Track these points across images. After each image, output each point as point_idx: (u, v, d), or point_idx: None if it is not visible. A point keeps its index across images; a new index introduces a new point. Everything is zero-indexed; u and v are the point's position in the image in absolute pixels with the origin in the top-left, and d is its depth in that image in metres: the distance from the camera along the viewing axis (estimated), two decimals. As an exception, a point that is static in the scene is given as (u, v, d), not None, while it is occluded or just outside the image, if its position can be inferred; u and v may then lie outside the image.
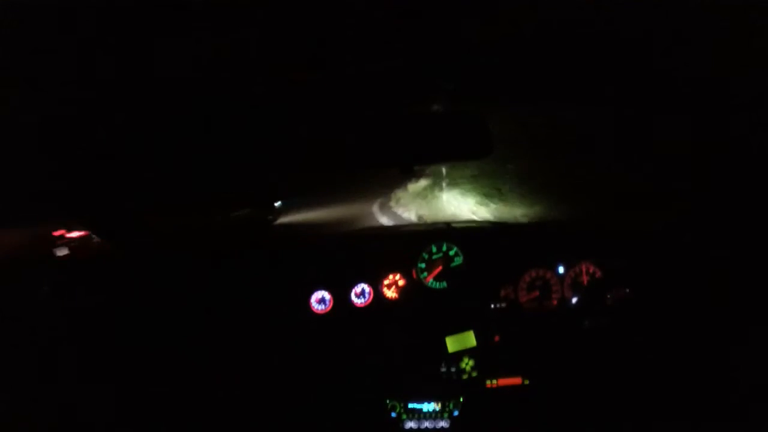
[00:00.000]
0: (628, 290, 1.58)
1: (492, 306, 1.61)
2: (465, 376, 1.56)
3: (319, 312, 1.62)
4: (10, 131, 1.26)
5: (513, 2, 1.16)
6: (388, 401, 1.55)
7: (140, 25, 1.04)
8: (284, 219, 6.06)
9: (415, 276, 1.65)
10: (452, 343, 1.57)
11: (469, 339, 1.57)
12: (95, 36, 1.04)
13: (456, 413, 1.54)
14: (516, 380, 1.55)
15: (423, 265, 1.65)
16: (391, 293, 1.65)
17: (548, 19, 1.22)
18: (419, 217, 6.97)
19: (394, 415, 1.55)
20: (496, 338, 1.57)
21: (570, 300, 1.61)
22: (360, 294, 1.64)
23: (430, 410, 1.54)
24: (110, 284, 1.63)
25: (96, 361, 1.47)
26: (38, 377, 1.41)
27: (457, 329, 1.58)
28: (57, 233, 2.19)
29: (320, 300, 1.62)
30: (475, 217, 6.95)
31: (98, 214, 1.60)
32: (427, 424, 1.54)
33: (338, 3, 1.09)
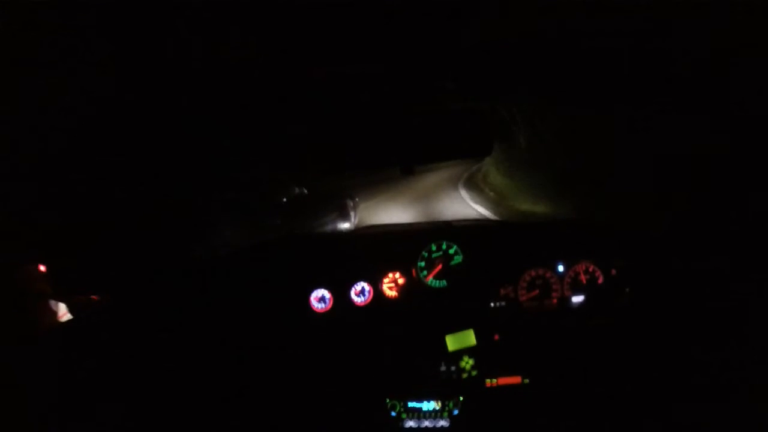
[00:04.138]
0: (627, 289, 1.58)
1: (492, 305, 1.61)
2: (465, 375, 1.56)
3: (319, 311, 1.62)
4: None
5: (516, 3, 1.16)
6: (387, 400, 1.55)
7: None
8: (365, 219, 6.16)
9: (414, 275, 1.65)
10: (452, 342, 1.57)
11: (469, 338, 1.57)
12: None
13: (456, 412, 1.54)
14: (516, 379, 1.55)
15: (423, 264, 1.65)
16: (391, 292, 1.65)
17: (554, 19, 1.22)
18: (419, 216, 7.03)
19: (393, 414, 1.55)
20: (496, 337, 1.58)
21: (570, 299, 1.61)
22: (360, 293, 1.64)
23: (430, 409, 1.55)
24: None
25: (97, 364, 1.48)
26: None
27: (457, 328, 1.58)
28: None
29: (320, 299, 1.62)
30: (475, 216, 6.98)
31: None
32: (426, 423, 1.54)
33: (343, 3, 1.09)
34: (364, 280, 1.64)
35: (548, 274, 1.61)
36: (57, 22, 0.97)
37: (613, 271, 1.60)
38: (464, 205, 7.91)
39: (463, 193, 9.02)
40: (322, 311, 1.62)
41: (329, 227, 4.94)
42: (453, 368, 1.57)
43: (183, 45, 1.18)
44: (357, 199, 5.91)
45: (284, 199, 4.76)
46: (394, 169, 1.50)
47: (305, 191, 5.08)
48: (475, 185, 9.55)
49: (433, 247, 1.65)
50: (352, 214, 5.53)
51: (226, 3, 1.03)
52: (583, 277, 1.61)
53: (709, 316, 1.48)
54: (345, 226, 5.18)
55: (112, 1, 0.95)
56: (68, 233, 1.64)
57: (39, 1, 0.90)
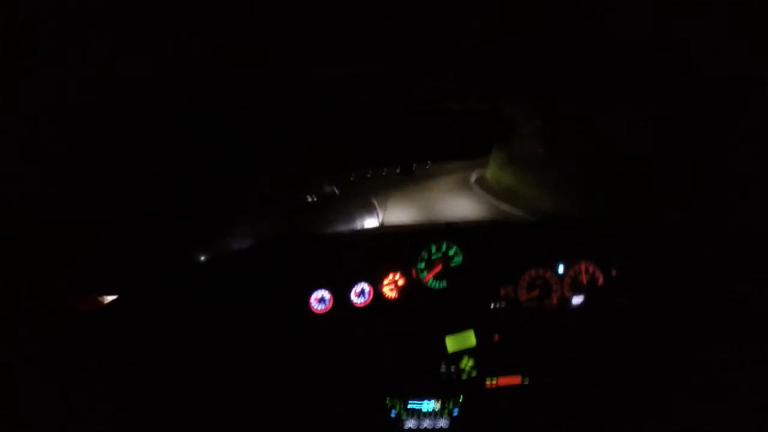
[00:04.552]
0: (628, 289, 1.58)
1: (492, 305, 1.61)
2: (465, 376, 1.56)
3: (318, 311, 1.62)
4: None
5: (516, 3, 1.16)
6: (387, 400, 1.55)
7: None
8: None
9: (414, 275, 1.65)
10: (452, 343, 1.57)
11: (469, 338, 1.57)
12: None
13: (456, 412, 1.54)
14: (516, 379, 1.55)
15: (423, 265, 1.65)
16: (390, 293, 1.65)
17: (553, 17, 1.21)
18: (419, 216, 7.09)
19: (393, 414, 1.55)
20: (496, 337, 1.58)
21: (570, 299, 1.61)
22: (360, 293, 1.64)
23: (430, 409, 1.55)
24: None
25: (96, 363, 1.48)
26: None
27: (457, 329, 1.58)
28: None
29: (320, 299, 1.62)
30: (475, 216, 7.02)
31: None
32: (426, 423, 1.54)
33: (341, 2, 1.09)
34: (364, 281, 1.64)
35: (548, 274, 1.61)
36: (57, 21, 0.97)
37: (613, 271, 1.60)
38: (478, 205, 7.99)
39: (478, 192, 9.20)
40: (322, 312, 1.62)
41: (357, 224, 5.09)
42: (453, 368, 1.57)
43: (182, 45, 1.18)
44: (380, 198, 6.05)
45: (314, 198, 4.86)
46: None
47: (336, 190, 5.25)
48: (486, 185, 9.74)
49: (433, 248, 1.65)
50: (378, 212, 5.70)
51: (226, 3, 1.03)
52: (583, 277, 1.61)
53: (709, 316, 1.48)
54: (373, 223, 5.34)
55: (113, 1, 0.95)
56: (68, 233, 1.64)
57: (40, 1, 0.90)
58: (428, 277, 1.64)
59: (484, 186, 9.68)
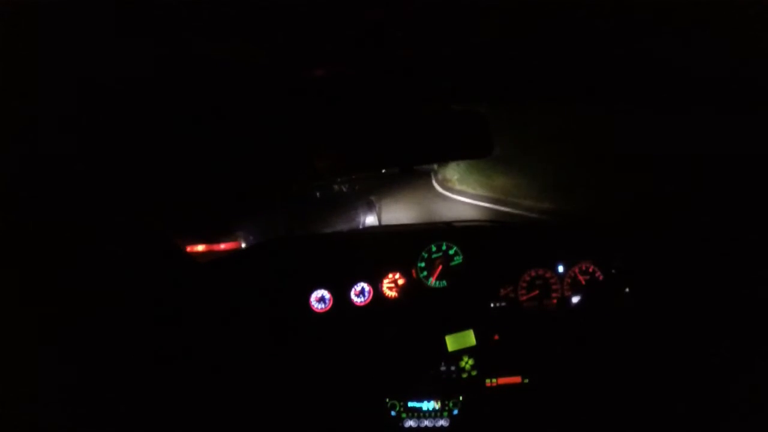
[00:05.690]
0: (627, 290, 1.58)
1: (492, 305, 1.62)
2: (465, 375, 1.56)
3: (318, 311, 1.62)
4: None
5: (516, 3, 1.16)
6: (387, 400, 1.56)
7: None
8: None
9: (414, 275, 1.65)
10: (452, 342, 1.57)
11: (469, 338, 1.58)
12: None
13: (456, 412, 1.55)
14: (515, 379, 1.56)
15: (423, 265, 1.65)
16: (391, 292, 1.65)
17: (551, 15, 1.21)
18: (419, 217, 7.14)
19: (393, 413, 1.55)
20: (496, 337, 1.58)
21: (570, 299, 1.61)
22: (360, 293, 1.64)
23: (430, 409, 1.55)
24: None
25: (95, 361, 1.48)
26: None
27: (457, 328, 1.58)
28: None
29: (320, 299, 1.62)
30: (475, 216, 7.04)
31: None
32: (426, 422, 1.54)
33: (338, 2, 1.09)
34: (364, 281, 1.64)
35: (548, 274, 1.61)
36: (57, 20, 0.97)
37: (613, 271, 1.60)
38: (465, 205, 8.00)
39: (464, 191, 9.17)
40: (322, 311, 1.62)
41: (360, 221, 5.32)
42: (453, 368, 1.57)
43: (180, 45, 1.18)
44: (376, 197, 6.28)
45: (318, 194, 5.08)
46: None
47: (343, 188, 5.55)
48: (474, 184, 9.72)
49: (433, 248, 1.65)
50: (376, 209, 5.95)
51: (226, 4, 1.04)
52: (582, 277, 1.61)
53: (709, 316, 1.48)
54: (372, 220, 5.60)
55: (112, 2, 0.96)
56: (68, 232, 1.64)
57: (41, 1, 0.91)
58: (428, 277, 1.64)
59: (447, 187, 9.69)
